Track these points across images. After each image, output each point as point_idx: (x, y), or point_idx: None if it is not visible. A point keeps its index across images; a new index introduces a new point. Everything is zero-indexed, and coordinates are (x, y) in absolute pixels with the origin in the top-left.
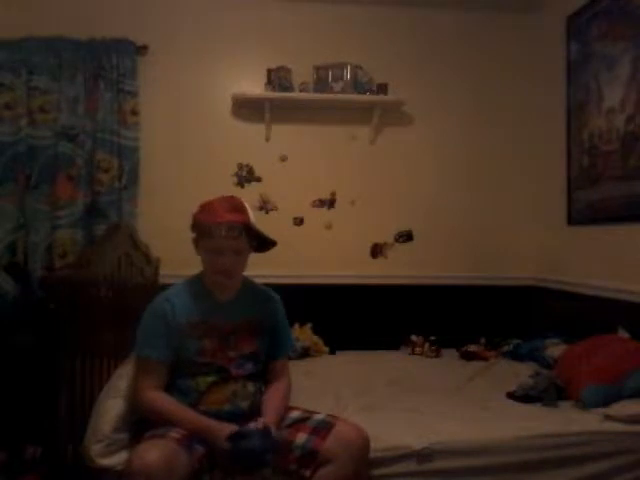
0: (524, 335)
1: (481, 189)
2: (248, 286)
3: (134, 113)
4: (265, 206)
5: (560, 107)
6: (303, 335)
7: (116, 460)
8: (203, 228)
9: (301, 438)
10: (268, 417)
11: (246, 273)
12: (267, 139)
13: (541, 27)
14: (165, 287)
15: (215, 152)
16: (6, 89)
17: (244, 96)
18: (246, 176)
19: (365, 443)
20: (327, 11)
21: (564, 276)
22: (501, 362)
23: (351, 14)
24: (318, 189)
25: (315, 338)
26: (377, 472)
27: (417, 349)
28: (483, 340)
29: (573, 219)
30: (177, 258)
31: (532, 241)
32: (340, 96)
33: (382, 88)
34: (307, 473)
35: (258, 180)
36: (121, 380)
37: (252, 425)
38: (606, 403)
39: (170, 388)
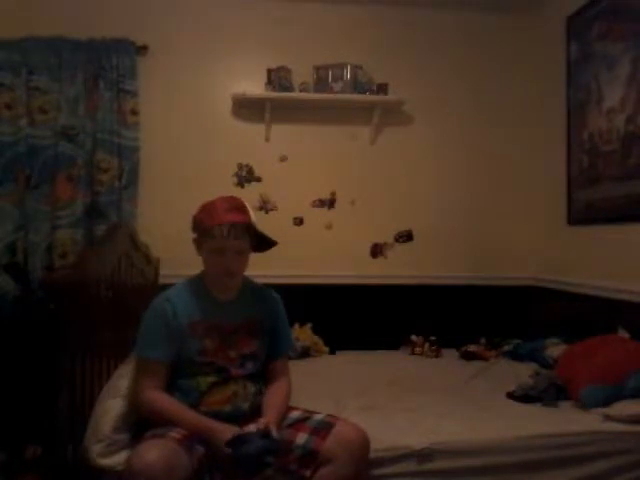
0: (524, 335)
1: (481, 189)
2: (248, 286)
3: (134, 113)
4: (265, 206)
5: (560, 107)
6: (303, 335)
7: (116, 460)
8: (205, 229)
9: (301, 438)
10: (269, 416)
11: (246, 273)
12: (267, 139)
13: (541, 27)
14: (165, 287)
15: (215, 152)
16: (6, 89)
17: (244, 96)
18: (246, 176)
19: (365, 443)
20: (327, 11)
21: (564, 276)
22: (501, 362)
23: (351, 14)
24: (318, 189)
25: (315, 338)
26: (377, 472)
27: (417, 349)
28: (483, 340)
29: (573, 219)
30: (177, 258)
31: (532, 241)
32: (340, 96)
33: (382, 88)
34: (307, 473)
35: (258, 180)
36: (121, 380)
37: (252, 426)
38: (606, 403)
39: (171, 388)
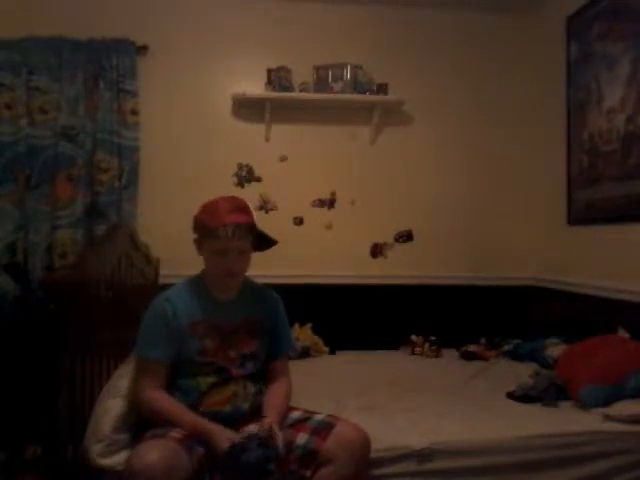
0: (524, 335)
1: (481, 189)
2: (248, 286)
3: (134, 113)
4: (265, 206)
5: (560, 107)
6: (303, 335)
7: (116, 460)
8: (208, 229)
9: (302, 438)
10: (270, 416)
11: (246, 273)
12: (267, 139)
13: (541, 27)
14: (165, 287)
15: (215, 152)
16: (6, 89)
17: (244, 96)
18: (246, 176)
19: (366, 443)
20: (327, 11)
21: (564, 276)
22: (501, 362)
23: (351, 14)
24: (318, 189)
25: (315, 338)
26: (377, 472)
27: (417, 349)
28: (483, 340)
29: (573, 219)
30: (177, 258)
31: (532, 241)
32: (340, 96)
33: (382, 88)
34: (307, 473)
35: (258, 180)
36: (121, 380)
37: (253, 427)
38: (606, 403)
39: (171, 388)
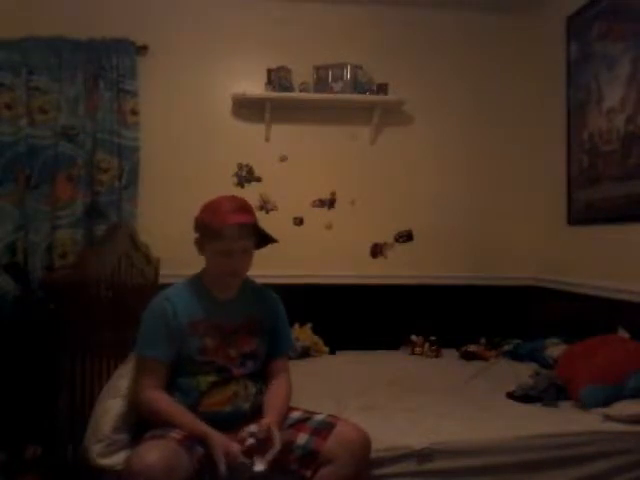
0: (524, 335)
1: (481, 189)
2: (248, 285)
3: (134, 113)
4: (265, 206)
5: (560, 107)
6: (303, 335)
7: (116, 460)
8: (212, 230)
9: (302, 438)
10: (270, 417)
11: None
12: (267, 139)
13: (541, 27)
14: (165, 287)
15: (215, 152)
16: (6, 89)
17: (244, 96)
18: (246, 176)
19: (366, 443)
20: (327, 11)
21: (564, 276)
22: (501, 362)
23: (351, 14)
24: (318, 189)
25: (315, 338)
26: (377, 472)
27: (417, 349)
28: (483, 340)
29: (573, 219)
30: (177, 258)
31: (532, 241)
32: (340, 96)
33: (382, 88)
34: (308, 473)
35: (258, 180)
36: (121, 380)
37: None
38: (606, 403)
39: (171, 387)
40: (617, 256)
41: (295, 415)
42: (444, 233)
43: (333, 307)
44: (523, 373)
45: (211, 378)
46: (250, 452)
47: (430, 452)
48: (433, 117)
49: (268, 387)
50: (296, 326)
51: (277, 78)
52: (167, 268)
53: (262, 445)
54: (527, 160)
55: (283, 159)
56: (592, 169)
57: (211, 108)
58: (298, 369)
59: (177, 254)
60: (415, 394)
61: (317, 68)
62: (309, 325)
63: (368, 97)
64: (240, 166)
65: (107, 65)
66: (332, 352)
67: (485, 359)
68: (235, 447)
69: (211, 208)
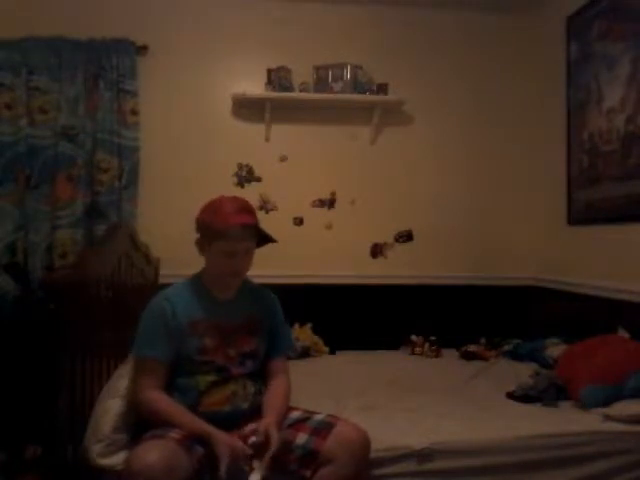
0: (524, 335)
1: (481, 189)
2: (246, 285)
3: (134, 113)
4: (265, 206)
5: (560, 107)
6: (303, 335)
7: (116, 460)
8: (216, 230)
9: (301, 438)
10: (269, 417)
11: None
12: (267, 139)
13: (541, 27)
14: (165, 287)
15: (215, 152)
16: (6, 89)
17: (244, 96)
18: (246, 176)
19: (366, 443)
20: (327, 11)
21: (564, 276)
22: (501, 362)
23: (351, 14)
24: (318, 189)
25: (315, 338)
26: (377, 472)
27: (417, 349)
28: (483, 340)
29: (573, 219)
30: (177, 258)
31: (532, 241)
32: (340, 96)
33: (382, 88)
34: (307, 473)
35: (258, 180)
36: (121, 380)
37: (252, 426)
38: (606, 403)
39: (170, 387)
40: (617, 256)
41: (295, 415)
42: (444, 233)
43: (333, 307)
44: (523, 373)
45: (210, 378)
46: (251, 456)
47: (430, 452)
48: (433, 117)
49: (267, 387)
50: (296, 326)
51: (277, 78)
52: (167, 268)
53: (262, 448)
54: (527, 160)
55: (283, 159)
56: (592, 169)
57: (211, 108)
58: (298, 369)
59: (177, 254)
60: (415, 394)
61: (317, 68)
62: (309, 325)
63: (368, 97)
64: (240, 166)
65: (107, 65)
66: (332, 352)
67: (485, 359)
68: (239, 443)
69: (213, 208)
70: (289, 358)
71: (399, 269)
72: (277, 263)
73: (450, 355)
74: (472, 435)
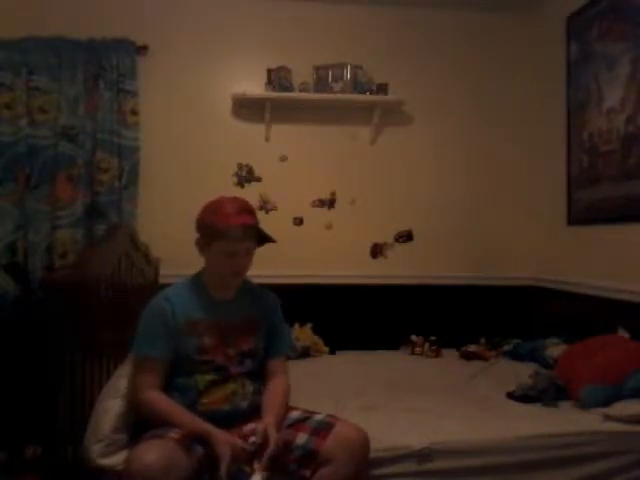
0: (524, 335)
1: (481, 189)
2: (246, 285)
3: (134, 113)
4: (265, 206)
5: (560, 107)
6: (303, 335)
7: (116, 460)
8: (217, 231)
9: (301, 438)
10: (268, 418)
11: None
12: (267, 139)
13: (541, 27)
14: (165, 287)
15: (215, 152)
16: (6, 89)
17: (244, 96)
18: (246, 176)
19: (365, 443)
20: (327, 11)
21: (564, 276)
22: (501, 362)
23: (351, 14)
24: (318, 189)
25: (315, 338)
26: (377, 472)
27: (417, 349)
28: (483, 340)
29: (573, 219)
30: (177, 258)
31: (532, 241)
32: (340, 96)
33: (382, 88)
34: (307, 473)
35: (258, 180)
36: (121, 380)
37: (252, 425)
38: (606, 403)
39: (169, 387)
40: (617, 256)
41: (294, 415)
42: (444, 233)
43: (333, 307)
44: (523, 373)
45: (209, 377)
46: (251, 456)
47: (430, 452)
48: (433, 117)
49: (266, 387)
50: (296, 326)
51: (277, 78)
52: (167, 268)
53: (261, 448)
54: (527, 160)
55: (283, 159)
56: (592, 169)
57: (211, 108)
58: (298, 369)
59: (177, 254)
60: (415, 394)
61: (317, 68)
62: (309, 325)
63: (368, 97)
64: (240, 166)
65: (107, 65)
66: (332, 352)
67: (485, 359)
68: (239, 442)
69: (213, 209)
70: (289, 358)
71: (399, 269)
72: (277, 263)
73: (450, 355)
74: (472, 435)
